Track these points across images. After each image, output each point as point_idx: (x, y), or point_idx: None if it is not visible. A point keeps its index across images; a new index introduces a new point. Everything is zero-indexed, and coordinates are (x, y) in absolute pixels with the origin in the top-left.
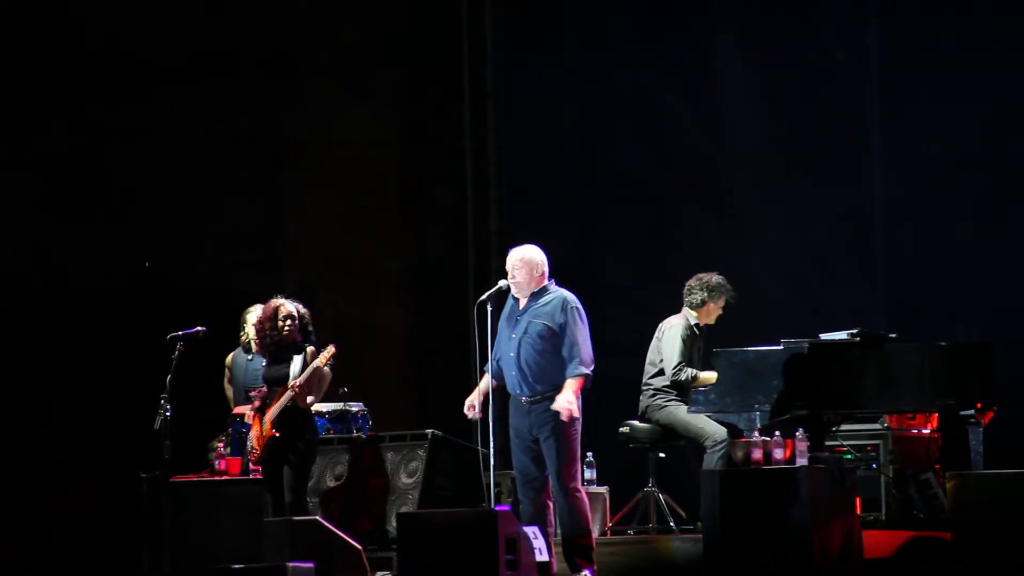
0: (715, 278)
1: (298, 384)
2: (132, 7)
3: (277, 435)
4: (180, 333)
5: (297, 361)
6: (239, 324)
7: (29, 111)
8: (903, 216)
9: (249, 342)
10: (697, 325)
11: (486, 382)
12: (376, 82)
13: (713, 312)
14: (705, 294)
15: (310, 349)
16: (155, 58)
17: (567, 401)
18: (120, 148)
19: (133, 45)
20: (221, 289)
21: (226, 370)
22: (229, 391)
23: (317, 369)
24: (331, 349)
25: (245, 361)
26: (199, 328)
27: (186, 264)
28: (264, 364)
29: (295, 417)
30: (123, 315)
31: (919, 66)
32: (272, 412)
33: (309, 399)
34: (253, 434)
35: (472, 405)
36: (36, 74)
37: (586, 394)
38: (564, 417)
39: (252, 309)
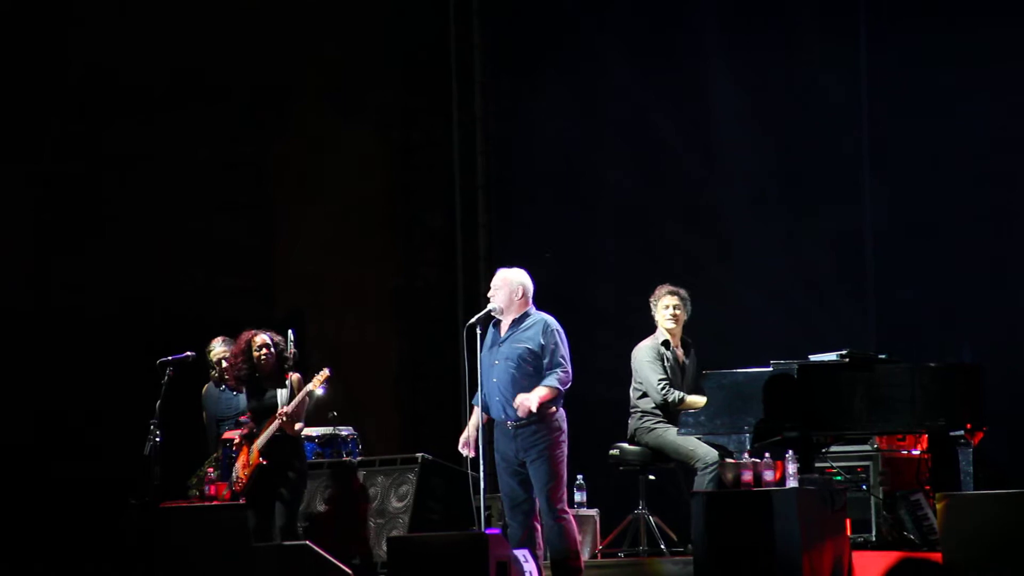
0: (655, 291)
1: (287, 412)
2: (124, 34)
3: (265, 463)
4: (170, 358)
5: (282, 392)
6: (206, 358)
7: (21, 136)
8: (892, 237)
9: (218, 376)
10: (666, 342)
11: (477, 417)
12: (366, 107)
13: (661, 316)
14: (651, 308)
15: (295, 376)
16: (144, 83)
17: (526, 397)
18: (110, 173)
19: (124, 71)
20: (212, 313)
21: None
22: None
23: (308, 393)
24: (325, 372)
25: (217, 393)
26: (189, 353)
27: (176, 289)
28: (244, 395)
29: (284, 445)
30: (112, 340)
31: (908, 86)
32: (260, 441)
33: (297, 426)
34: (239, 464)
35: (467, 443)
36: (27, 100)
37: (574, 416)
38: (519, 410)
39: (214, 344)
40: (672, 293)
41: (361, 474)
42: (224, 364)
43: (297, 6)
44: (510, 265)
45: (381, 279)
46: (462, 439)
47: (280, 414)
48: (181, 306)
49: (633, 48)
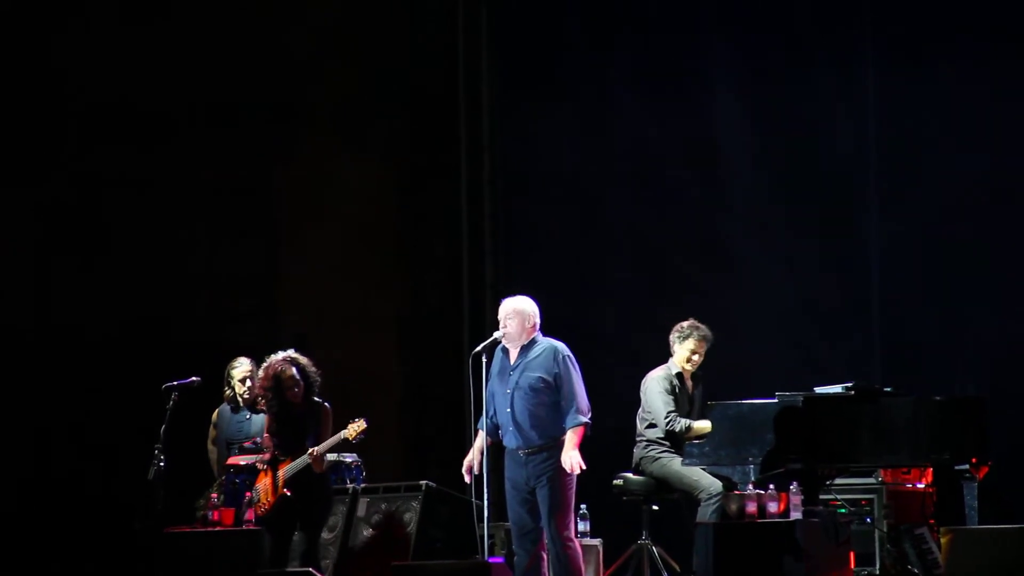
0: (685, 323)
1: (318, 452)
2: (133, 59)
3: (289, 494)
4: (175, 383)
5: (311, 422)
6: (223, 378)
7: (27, 160)
8: (898, 269)
9: (234, 396)
10: (679, 374)
11: (481, 441)
12: (373, 133)
13: (683, 355)
14: (672, 338)
15: (327, 408)
16: (152, 108)
17: (569, 456)
18: (116, 197)
19: (131, 95)
20: (216, 338)
21: (211, 428)
22: (213, 452)
23: (341, 439)
24: (362, 424)
25: (230, 415)
26: (194, 378)
27: (182, 313)
28: (258, 419)
29: (310, 478)
30: (118, 364)
31: (915, 117)
32: (287, 471)
33: (325, 462)
34: (261, 487)
35: (469, 467)
36: (34, 123)
37: (583, 444)
38: (573, 471)
39: (237, 364)
40: (702, 339)
41: (367, 501)
42: (251, 386)
43: (305, 31)
44: (517, 293)
45: (386, 305)
46: (465, 463)
47: (310, 453)
48: (187, 330)
49: (641, 77)
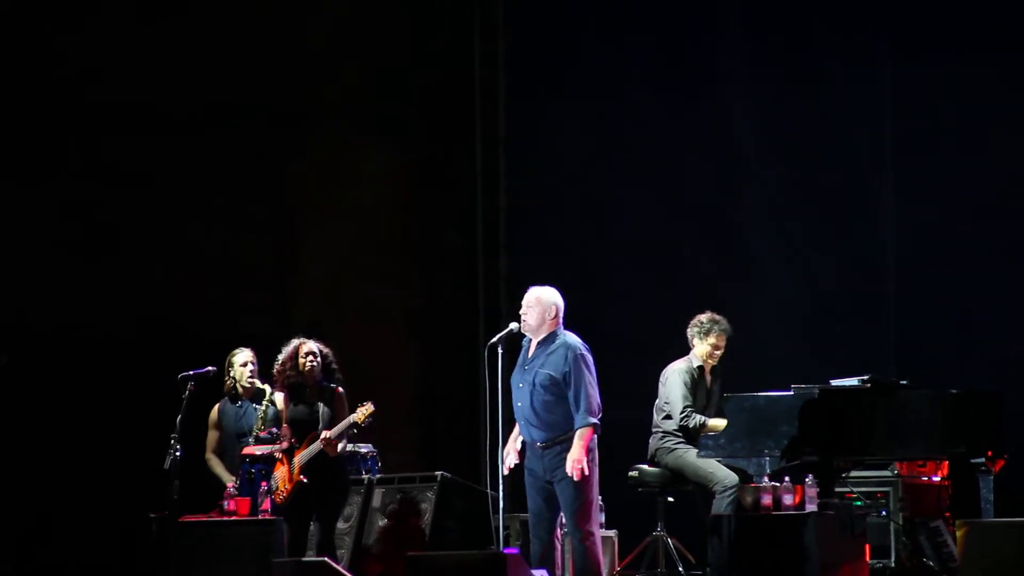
0: (704, 316)
1: (329, 437)
2: (143, 54)
3: (305, 481)
4: (191, 373)
5: (325, 408)
6: (223, 369)
7: (39, 157)
8: (914, 264)
9: (234, 386)
10: (700, 367)
11: (518, 432)
12: (387, 126)
13: (705, 350)
14: (692, 332)
15: (339, 390)
16: (164, 104)
17: (574, 460)
18: (130, 193)
19: (144, 90)
20: (229, 332)
21: (210, 432)
22: (213, 461)
23: (352, 423)
24: (370, 407)
25: (233, 408)
26: (210, 368)
27: (195, 308)
28: (285, 404)
29: (326, 464)
30: (132, 358)
31: (931, 118)
32: (301, 458)
33: (340, 447)
34: (280, 475)
35: (505, 460)
36: (46, 120)
37: (598, 438)
38: (575, 476)
39: (237, 351)
40: (723, 332)
41: (382, 491)
42: (253, 371)
43: (319, 24)
44: (535, 284)
45: (400, 298)
46: (505, 453)
47: (323, 439)
48: (199, 324)
49: (656, 75)
